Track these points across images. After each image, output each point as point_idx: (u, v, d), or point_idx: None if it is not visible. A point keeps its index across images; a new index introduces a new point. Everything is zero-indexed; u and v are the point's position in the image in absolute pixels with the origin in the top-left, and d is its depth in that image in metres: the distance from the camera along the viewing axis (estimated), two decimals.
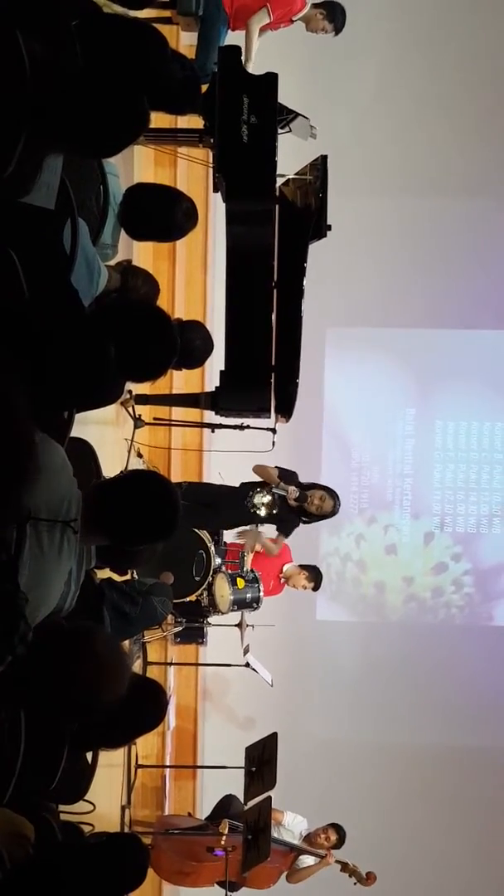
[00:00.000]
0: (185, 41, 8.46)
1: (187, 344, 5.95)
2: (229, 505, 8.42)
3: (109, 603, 4.34)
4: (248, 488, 8.39)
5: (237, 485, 8.54)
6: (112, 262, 4.69)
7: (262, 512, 8.29)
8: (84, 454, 4.35)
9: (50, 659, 2.58)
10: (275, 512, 8.34)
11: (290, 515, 8.46)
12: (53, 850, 3.01)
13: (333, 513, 8.50)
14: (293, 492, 8.22)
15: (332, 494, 8.46)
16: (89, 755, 4.34)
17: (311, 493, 8.35)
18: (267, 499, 8.26)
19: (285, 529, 8.65)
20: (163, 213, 4.65)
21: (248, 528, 8.82)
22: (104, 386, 2.98)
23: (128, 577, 5.19)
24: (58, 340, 2.74)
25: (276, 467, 8.31)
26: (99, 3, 4.10)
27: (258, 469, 8.34)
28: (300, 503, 8.29)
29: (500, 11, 11.12)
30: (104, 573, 4.41)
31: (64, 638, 2.81)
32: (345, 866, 8.70)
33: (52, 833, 3.18)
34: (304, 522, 8.59)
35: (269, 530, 8.93)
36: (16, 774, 2.99)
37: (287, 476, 8.32)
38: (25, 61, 3.15)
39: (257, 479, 8.45)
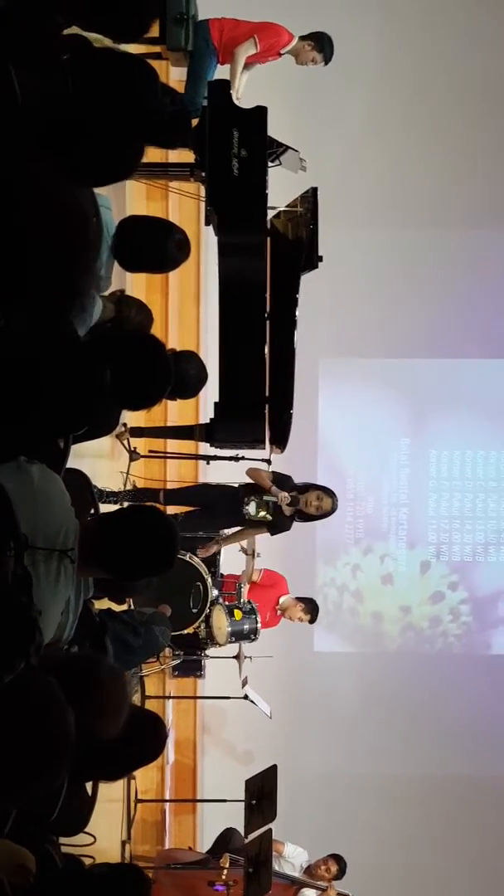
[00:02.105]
0: (174, 76, 8.53)
1: (182, 374, 5.97)
2: (225, 506, 8.42)
3: (112, 634, 4.34)
4: (245, 492, 8.38)
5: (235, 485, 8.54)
6: (106, 293, 4.73)
7: (256, 516, 8.29)
8: (80, 485, 4.36)
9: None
10: (270, 518, 8.32)
11: (283, 519, 8.41)
12: (55, 879, 2.99)
13: (333, 510, 8.46)
14: (284, 498, 8.16)
15: (329, 492, 8.40)
16: (89, 787, 4.32)
17: (306, 494, 8.27)
18: (262, 504, 8.24)
19: (274, 532, 8.59)
20: (155, 245, 4.68)
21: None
22: (99, 411, 2.99)
23: (125, 606, 5.20)
24: (53, 366, 2.76)
25: (272, 472, 8.28)
26: (90, 38, 4.13)
27: (252, 473, 8.31)
28: (293, 507, 8.26)
29: (490, 42, 11.21)
30: (102, 603, 4.41)
31: (67, 666, 2.81)
32: None
33: (53, 864, 3.17)
34: (301, 521, 8.51)
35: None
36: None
37: (281, 480, 8.27)
38: (17, 93, 3.18)
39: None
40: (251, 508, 8.24)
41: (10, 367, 2.62)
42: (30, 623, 2.35)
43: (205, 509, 8.36)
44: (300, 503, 8.22)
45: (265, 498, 8.21)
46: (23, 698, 2.42)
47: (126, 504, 7.84)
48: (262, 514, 8.24)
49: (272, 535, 8.58)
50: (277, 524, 8.41)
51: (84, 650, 3.58)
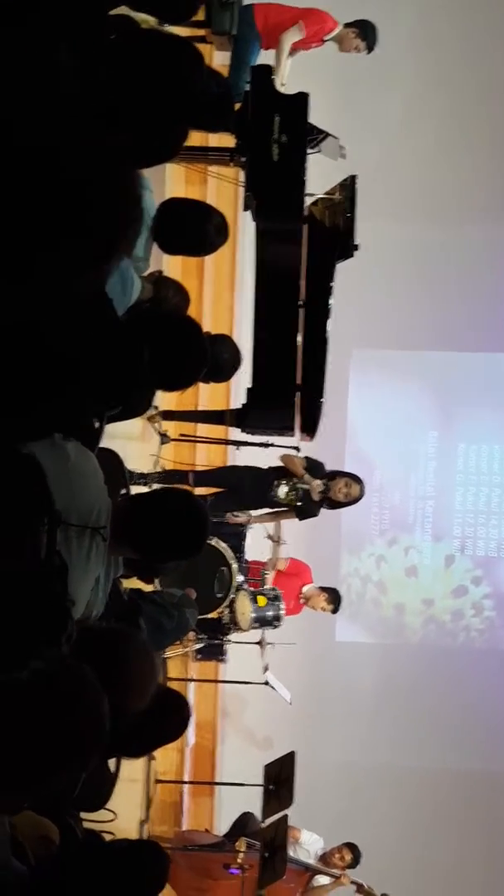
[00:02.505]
0: (217, 60, 8.52)
1: (216, 357, 5.98)
2: (253, 488, 8.45)
3: (146, 615, 4.37)
4: (273, 475, 8.41)
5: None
6: (144, 274, 4.74)
7: (284, 501, 8.31)
8: (112, 465, 4.38)
9: (85, 658, 2.61)
10: (298, 504, 8.35)
11: (311, 505, 8.44)
12: (77, 850, 3.03)
13: (361, 496, 8.49)
14: (318, 486, 8.22)
15: (356, 479, 8.45)
16: (111, 764, 4.36)
17: (334, 482, 8.33)
18: (290, 489, 8.27)
19: (301, 517, 8.62)
20: (195, 228, 4.70)
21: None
22: (137, 389, 3.01)
23: (152, 586, 5.24)
24: (94, 343, 2.78)
25: (305, 457, 8.30)
26: (137, 20, 4.13)
27: (285, 459, 8.34)
28: (324, 495, 8.29)
29: None
30: (131, 582, 4.44)
31: (100, 638, 2.84)
32: (360, 887, 8.67)
33: (74, 836, 3.20)
34: (329, 508, 8.55)
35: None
36: None
37: (314, 467, 8.31)
38: (64, 76, 3.19)
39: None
40: (280, 492, 8.27)
41: (51, 343, 2.64)
42: (62, 612, 2.37)
43: (232, 490, 8.36)
44: (329, 491, 8.26)
45: (298, 485, 8.23)
46: (58, 685, 2.44)
47: (156, 485, 7.88)
48: (291, 498, 8.26)
49: (300, 520, 8.61)
50: (305, 510, 8.44)
51: (116, 623, 3.61)
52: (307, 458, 8.33)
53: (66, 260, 2.19)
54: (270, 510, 8.67)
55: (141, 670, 2.88)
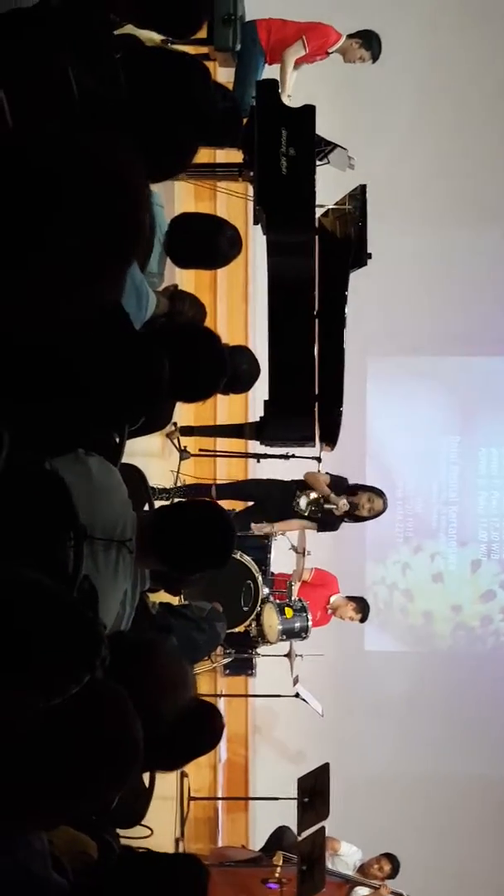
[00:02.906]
0: (222, 77, 8.54)
1: (235, 368, 5.99)
2: (276, 499, 8.48)
3: (178, 631, 4.39)
4: (297, 486, 8.42)
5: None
6: (159, 289, 4.77)
7: (305, 513, 8.33)
8: (135, 479, 4.39)
9: (115, 668, 2.61)
10: (318, 516, 8.37)
11: (333, 519, 8.45)
12: (117, 862, 3.03)
13: (384, 510, 8.52)
14: (344, 506, 8.24)
15: (379, 493, 8.46)
16: (146, 778, 4.35)
17: (357, 497, 8.35)
18: (310, 504, 8.29)
19: (322, 529, 8.63)
20: (208, 241, 4.72)
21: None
22: (158, 401, 3.03)
23: (179, 598, 5.24)
24: (113, 356, 2.80)
25: (327, 474, 8.31)
26: (142, 38, 4.17)
27: (310, 477, 8.36)
28: (350, 512, 8.31)
29: None
30: (158, 596, 4.45)
31: (130, 647, 2.85)
32: None
33: (113, 852, 3.20)
34: (352, 522, 8.56)
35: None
36: None
37: (337, 483, 8.32)
38: (75, 93, 3.22)
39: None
40: (301, 503, 8.28)
41: (72, 358, 2.65)
42: (96, 638, 2.39)
43: (258, 503, 8.36)
44: (356, 509, 8.28)
45: (325, 506, 8.24)
46: (95, 705, 2.45)
47: (178, 499, 7.90)
48: (312, 510, 8.28)
49: (318, 531, 8.63)
50: (327, 522, 8.45)
51: (146, 633, 3.62)
52: (329, 475, 8.33)
53: (76, 266, 2.21)
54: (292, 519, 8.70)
55: (173, 677, 2.89)
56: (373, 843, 9.26)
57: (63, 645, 2.39)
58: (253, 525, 8.47)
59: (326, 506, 8.25)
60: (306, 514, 8.33)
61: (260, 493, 8.53)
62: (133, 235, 2.31)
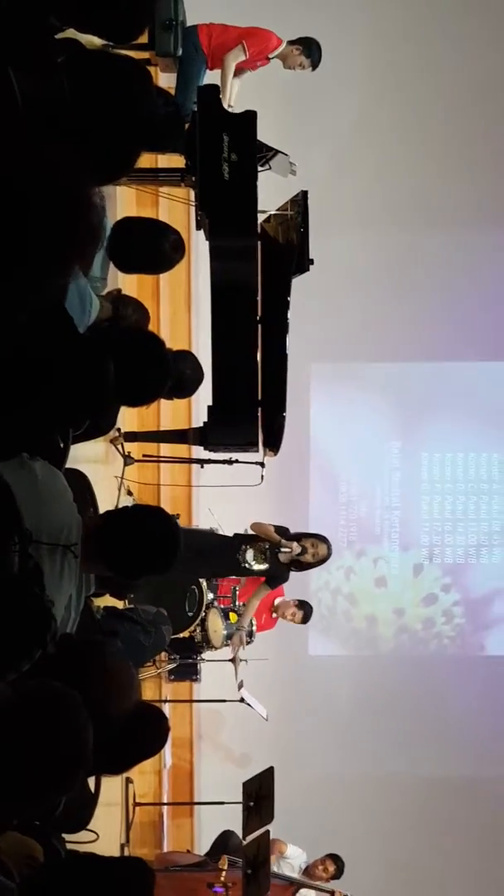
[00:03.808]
0: (163, 82, 8.56)
1: (179, 373, 6.02)
2: (221, 554, 8.37)
3: (124, 634, 4.38)
4: (240, 540, 8.38)
5: (230, 533, 8.56)
6: (103, 293, 4.77)
7: (255, 568, 8.28)
8: (80, 484, 4.39)
9: (60, 669, 2.62)
10: (266, 567, 8.33)
11: (280, 570, 8.45)
12: (63, 864, 3.02)
13: (328, 556, 8.50)
14: (297, 547, 8.21)
15: (322, 538, 8.44)
16: (91, 783, 4.36)
17: (302, 542, 8.34)
18: (259, 555, 8.26)
19: (273, 584, 8.65)
20: (151, 245, 4.73)
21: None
22: (104, 405, 3.03)
23: (124, 603, 5.25)
24: (58, 360, 2.80)
25: (271, 525, 8.32)
26: (83, 42, 4.16)
27: (256, 527, 8.32)
28: (301, 555, 8.29)
29: (479, 44, 11.29)
30: (104, 600, 4.45)
31: (75, 649, 2.85)
32: None
33: (59, 856, 3.20)
34: (297, 570, 8.58)
35: None
36: None
37: (280, 532, 8.30)
38: (18, 98, 3.22)
39: (250, 531, 8.49)
40: (249, 557, 8.21)
41: (17, 360, 2.65)
42: (44, 612, 2.39)
43: (199, 553, 8.10)
44: (307, 552, 8.27)
45: (282, 550, 8.22)
46: (43, 707, 2.45)
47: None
48: (260, 564, 8.23)
49: (271, 587, 8.64)
50: (276, 575, 8.44)
51: (92, 636, 3.62)
52: (272, 525, 8.34)
53: (24, 270, 2.21)
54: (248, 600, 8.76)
55: (120, 678, 2.89)
56: (317, 844, 9.29)
57: (12, 620, 2.39)
58: (232, 646, 8.53)
59: (281, 553, 8.22)
60: (253, 568, 8.26)
61: (204, 545, 8.35)
62: (86, 240, 2.32)
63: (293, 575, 8.78)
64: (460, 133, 11.37)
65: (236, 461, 8.20)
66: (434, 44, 11.28)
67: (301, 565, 8.45)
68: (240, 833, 7.96)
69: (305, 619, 9.50)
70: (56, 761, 2.44)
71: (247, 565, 8.24)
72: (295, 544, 8.19)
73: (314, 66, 8.07)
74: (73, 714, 2.48)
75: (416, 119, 11.39)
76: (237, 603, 8.89)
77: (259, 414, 7.48)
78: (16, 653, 2.35)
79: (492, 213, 11.43)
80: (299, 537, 8.38)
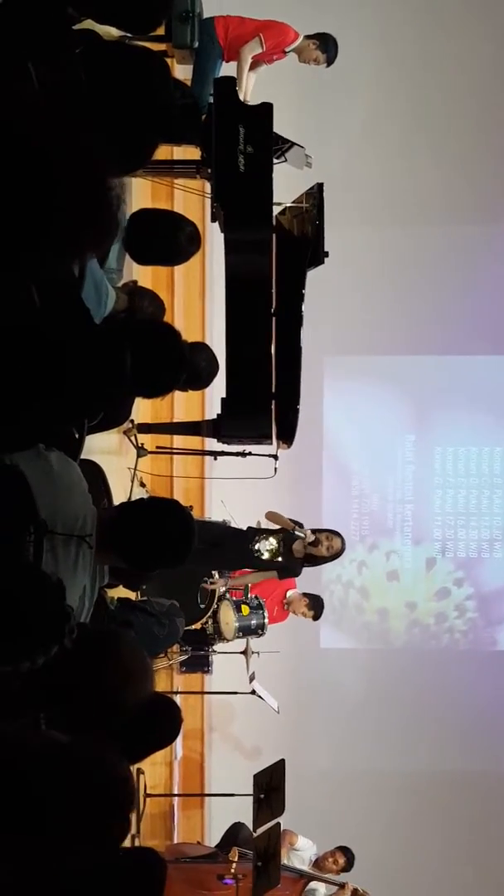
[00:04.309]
0: (179, 74, 8.55)
1: (194, 365, 6.01)
2: (234, 547, 8.43)
3: (139, 626, 4.39)
4: (254, 532, 8.43)
5: (244, 526, 8.60)
6: (119, 285, 4.77)
7: (266, 557, 8.32)
8: (94, 475, 4.40)
9: (76, 658, 2.62)
10: (279, 559, 8.37)
11: (293, 562, 8.48)
12: None
13: (342, 551, 8.54)
14: (310, 535, 8.27)
15: (336, 533, 8.52)
16: None
17: (317, 535, 8.39)
18: (273, 546, 8.30)
19: (283, 575, 8.68)
20: (167, 238, 4.73)
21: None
22: (120, 396, 3.03)
23: (137, 595, 5.26)
24: (75, 351, 2.80)
25: (289, 519, 8.39)
26: (100, 32, 4.16)
27: (272, 516, 8.44)
28: (314, 546, 8.32)
29: (487, 44, 11.27)
30: (117, 591, 4.46)
31: (90, 639, 2.85)
32: (355, 892, 8.65)
33: None
34: (311, 565, 8.61)
35: None
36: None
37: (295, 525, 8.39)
38: (36, 88, 3.22)
39: (264, 524, 8.55)
40: (263, 547, 8.26)
41: (34, 351, 2.66)
42: (62, 604, 2.40)
43: (212, 546, 8.18)
44: (320, 543, 8.31)
45: (296, 535, 8.26)
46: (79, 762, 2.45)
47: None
48: (274, 553, 8.28)
49: (281, 578, 8.68)
50: (288, 567, 8.48)
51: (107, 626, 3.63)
52: (291, 520, 8.40)
53: (44, 244, 2.22)
54: (250, 570, 8.75)
55: (135, 668, 2.90)
56: (327, 837, 9.29)
57: (30, 612, 2.40)
58: (208, 582, 8.47)
59: (296, 535, 8.25)
60: (269, 559, 8.31)
61: (219, 538, 8.39)
62: (103, 226, 2.33)
63: (305, 569, 8.81)
64: (477, 127, 11.35)
65: (250, 453, 8.21)
66: (451, 34, 11.25)
67: (315, 560, 8.49)
68: (250, 825, 7.97)
69: (317, 617, 9.54)
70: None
71: (259, 555, 8.29)
72: (308, 531, 8.24)
73: (329, 62, 8.04)
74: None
75: (432, 111, 11.38)
76: (249, 595, 8.89)
77: (273, 407, 7.47)
78: (32, 645, 2.36)
79: None
80: (314, 531, 8.43)
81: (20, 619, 2.34)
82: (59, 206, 2.26)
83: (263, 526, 8.64)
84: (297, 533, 8.29)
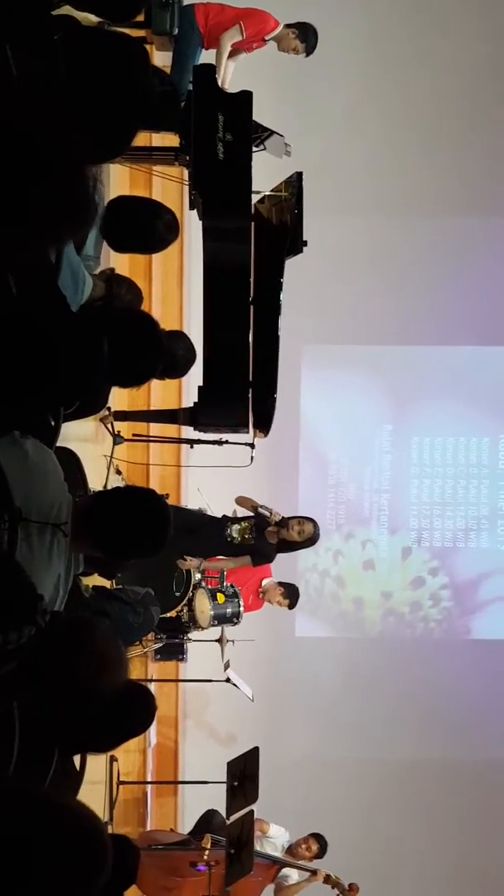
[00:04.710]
0: (159, 61, 8.52)
1: (171, 353, 6.00)
2: (209, 534, 8.48)
3: (114, 614, 4.39)
4: (228, 521, 8.49)
5: (219, 515, 8.66)
6: (96, 272, 4.76)
7: (237, 539, 8.38)
8: (70, 463, 4.39)
9: (50, 646, 2.62)
10: (252, 542, 8.42)
11: (266, 546, 8.52)
12: None
13: (315, 536, 8.58)
14: (276, 514, 8.34)
15: (310, 519, 8.57)
16: (76, 761, 4.36)
17: (289, 521, 8.45)
18: (242, 526, 8.37)
19: (257, 561, 8.71)
20: (144, 226, 4.71)
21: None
22: (97, 384, 3.02)
23: (112, 583, 5.26)
24: (51, 338, 2.79)
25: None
26: (78, 18, 4.14)
27: (240, 500, 8.59)
28: (280, 527, 8.37)
29: (469, 36, 11.28)
30: (92, 579, 4.45)
31: (64, 626, 2.85)
32: (327, 878, 8.70)
33: None
34: (285, 551, 8.67)
35: None
36: (10, 774, 3.02)
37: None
38: (13, 73, 3.21)
39: (240, 513, 8.67)
40: (234, 531, 8.35)
41: (9, 338, 2.65)
42: (32, 590, 2.39)
43: (187, 532, 8.22)
44: (287, 525, 8.36)
45: (259, 510, 8.32)
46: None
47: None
48: (246, 536, 8.36)
49: (255, 564, 8.71)
50: (261, 551, 8.51)
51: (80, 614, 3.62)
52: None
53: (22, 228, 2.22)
54: (225, 556, 8.79)
55: (109, 656, 2.89)
56: (301, 825, 9.33)
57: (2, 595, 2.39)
58: (179, 561, 8.50)
59: (260, 510, 8.33)
60: (240, 541, 8.38)
61: (194, 525, 8.45)
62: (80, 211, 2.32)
63: (281, 556, 8.83)
64: (458, 118, 11.37)
65: (226, 442, 8.21)
66: (427, 33, 11.26)
67: (289, 545, 8.53)
68: (224, 812, 7.99)
69: (292, 605, 9.56)
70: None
71: (232, 540, 8.33)
72: (274, 510, 8.30)
73: (309, 51, 8.04)
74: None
75: (412, 102, 11.38)
76: (225, 584, 8.89)
77: (250, 395, 7.47)
78: (4, 625, 2.35)
79: (486, 199, 11.42)
80: (286, 518, 8.49)
81: None
82: (37, 191, 2.25)
83: (239, 515, 8.68)
84: (261, 511, 8.35)
